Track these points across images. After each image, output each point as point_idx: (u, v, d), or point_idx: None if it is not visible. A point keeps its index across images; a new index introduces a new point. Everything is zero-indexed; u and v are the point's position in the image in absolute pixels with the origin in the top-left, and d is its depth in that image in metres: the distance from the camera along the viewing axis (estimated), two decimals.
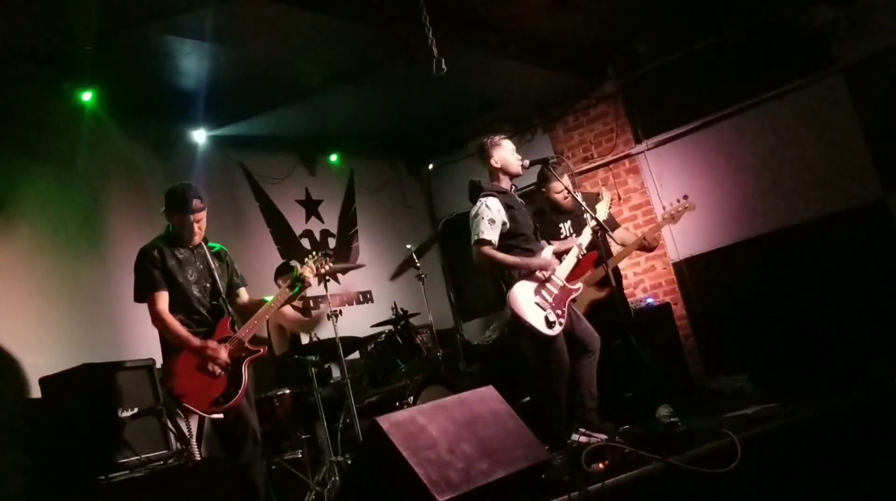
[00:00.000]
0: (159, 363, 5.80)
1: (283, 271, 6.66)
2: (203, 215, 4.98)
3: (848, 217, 7.34)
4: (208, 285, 4.96)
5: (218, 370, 4.66)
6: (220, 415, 4.61)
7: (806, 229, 7.54)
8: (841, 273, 7.22)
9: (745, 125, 7.90)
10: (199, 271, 4.96)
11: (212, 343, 4.69)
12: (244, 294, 5.21)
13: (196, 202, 4.92)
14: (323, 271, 5.22)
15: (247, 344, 4.80)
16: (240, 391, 4.66)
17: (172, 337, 4.71)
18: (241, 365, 4.73)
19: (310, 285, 5.14)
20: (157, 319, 4.75)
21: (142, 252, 4.92)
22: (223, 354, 4.68)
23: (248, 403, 4.85)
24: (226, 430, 4.72)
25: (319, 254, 5.27)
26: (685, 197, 6.22)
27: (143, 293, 4.82)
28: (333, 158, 8.99)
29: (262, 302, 5.05)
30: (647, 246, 6.25)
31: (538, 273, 5.26)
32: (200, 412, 4.60)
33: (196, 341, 4.68)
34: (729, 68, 7.87)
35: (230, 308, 5.01)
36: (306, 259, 5.21)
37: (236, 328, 4.86)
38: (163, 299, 4.77)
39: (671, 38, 8.16)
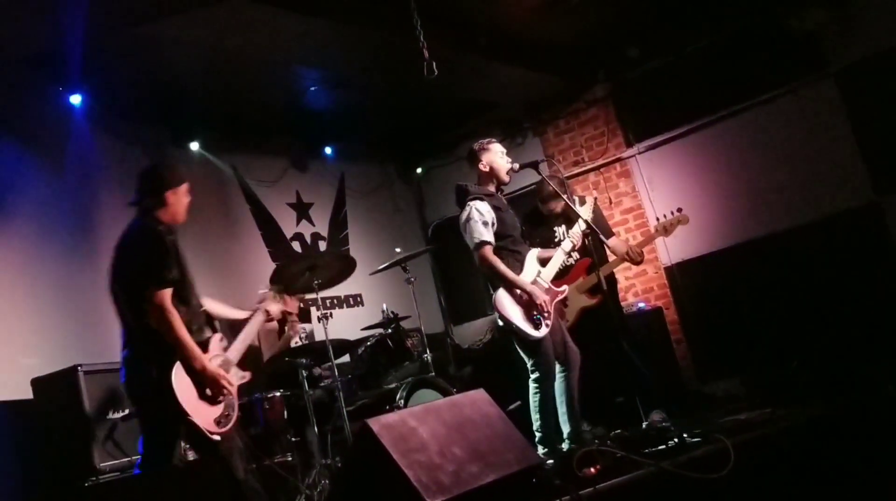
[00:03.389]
0: None
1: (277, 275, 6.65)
2: None
3: (840, 220, 7.35)
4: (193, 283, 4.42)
5: (224, 394, 4.23)
6: (218, 438, 4.14)
7: (798, 233, 7.54)
8: (833, 276, 7.22)
9: (737, 129, 7.91)
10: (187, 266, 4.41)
11: (228, 376, 4.21)
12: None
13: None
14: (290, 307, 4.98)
15: (235, 366, 4.42)
16: (235, 415, 4.27)
17: (180, 347, 4.08)
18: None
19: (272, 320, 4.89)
20: (164, 318, 4.07)
21: (157, 232, 4.25)
22: (234, 388, 4.25)
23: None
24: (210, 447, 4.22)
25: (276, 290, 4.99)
26: (679, 209, 6.18)
27: (156, 282, 4.11)
28: (327, 153, 8.94)
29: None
30: (632, 259, 6.20)
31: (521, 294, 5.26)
32: (206, 431, 4.08)
33: (211, 367, 4.14)
34: (720, 72, 7.88)
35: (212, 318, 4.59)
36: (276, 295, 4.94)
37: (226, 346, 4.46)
38: (170, 297, 4.14)
39: (662, 42, 8.18)
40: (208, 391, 4.14)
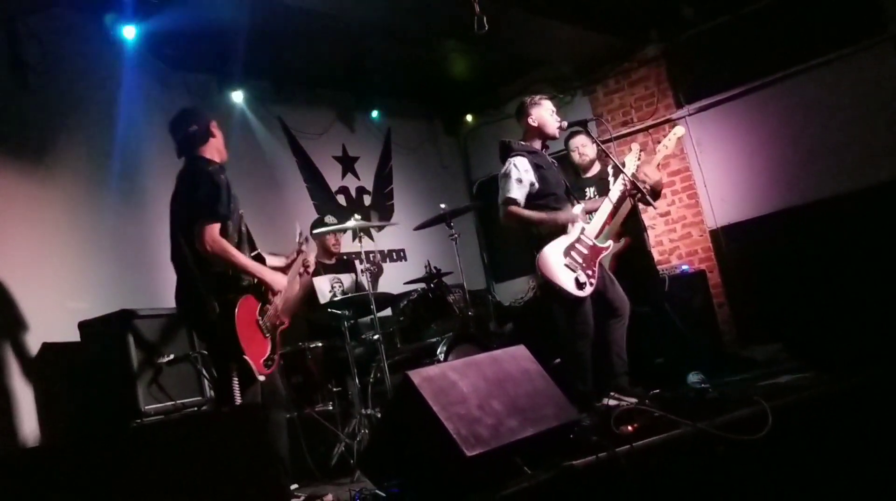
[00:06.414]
0: None
1: (316, 226, 6.65)
2: None
3: (892, 188, 7.18)
4: (244, 229, 4.54)
5: (270, 327, 4.44)
6: (263, 378, 4.32)
7: (848, 200, 7.38)
8: (883, 245, 7.07)
9: (790, 92, 7.74)
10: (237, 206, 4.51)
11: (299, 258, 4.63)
12: None
13: None
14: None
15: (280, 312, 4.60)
16: (276, 358, 4.45)
17: (239, 266, 4.27)
18: (276, 333, 4.55)
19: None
20: (216, 248, 4.20)
21: (207, 171, 4.36)
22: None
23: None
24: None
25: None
26: (674, 124, 6.09)
27: (207, 215, 4.23)
28: (374, 114, 8.97)
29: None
30: (655, 188, 5.89)
31: (568, 226, 5.24)
32: (256, 371, 4.25)
33: (269, 273, 4.39)
34: (775, 34, 7.70)
35: None
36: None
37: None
38: (219, 231, 4.27)
39: (717, 2, 8.01)
40: (260, 315, 4.39)
